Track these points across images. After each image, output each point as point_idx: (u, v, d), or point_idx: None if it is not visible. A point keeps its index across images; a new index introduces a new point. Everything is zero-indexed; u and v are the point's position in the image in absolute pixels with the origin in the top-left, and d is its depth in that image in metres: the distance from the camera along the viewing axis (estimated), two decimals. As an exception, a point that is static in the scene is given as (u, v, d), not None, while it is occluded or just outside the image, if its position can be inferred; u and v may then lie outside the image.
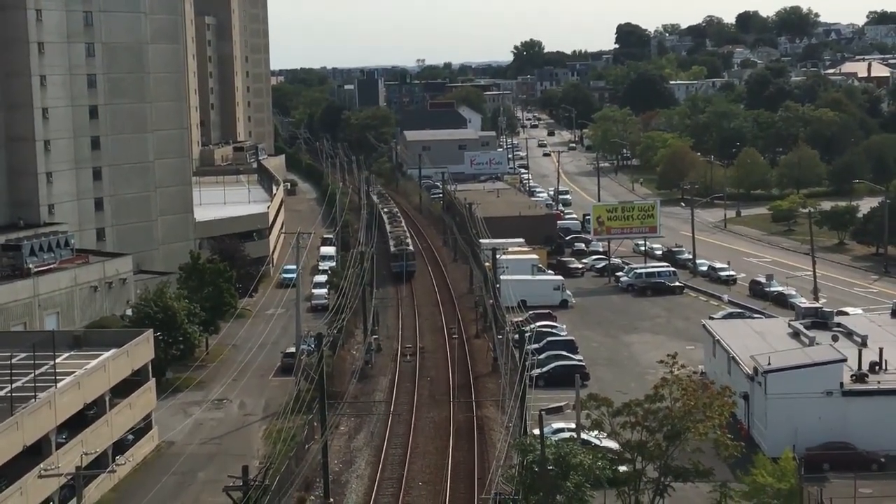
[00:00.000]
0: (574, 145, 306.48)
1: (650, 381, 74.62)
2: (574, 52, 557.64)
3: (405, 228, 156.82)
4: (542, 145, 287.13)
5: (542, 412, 62.78)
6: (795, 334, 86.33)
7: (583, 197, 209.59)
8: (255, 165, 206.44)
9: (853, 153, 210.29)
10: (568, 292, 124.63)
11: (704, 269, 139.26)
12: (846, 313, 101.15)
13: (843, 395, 75.34)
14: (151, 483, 69.74)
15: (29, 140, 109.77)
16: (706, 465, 63.08)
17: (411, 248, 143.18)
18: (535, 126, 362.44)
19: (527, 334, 76.79)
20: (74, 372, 69.17)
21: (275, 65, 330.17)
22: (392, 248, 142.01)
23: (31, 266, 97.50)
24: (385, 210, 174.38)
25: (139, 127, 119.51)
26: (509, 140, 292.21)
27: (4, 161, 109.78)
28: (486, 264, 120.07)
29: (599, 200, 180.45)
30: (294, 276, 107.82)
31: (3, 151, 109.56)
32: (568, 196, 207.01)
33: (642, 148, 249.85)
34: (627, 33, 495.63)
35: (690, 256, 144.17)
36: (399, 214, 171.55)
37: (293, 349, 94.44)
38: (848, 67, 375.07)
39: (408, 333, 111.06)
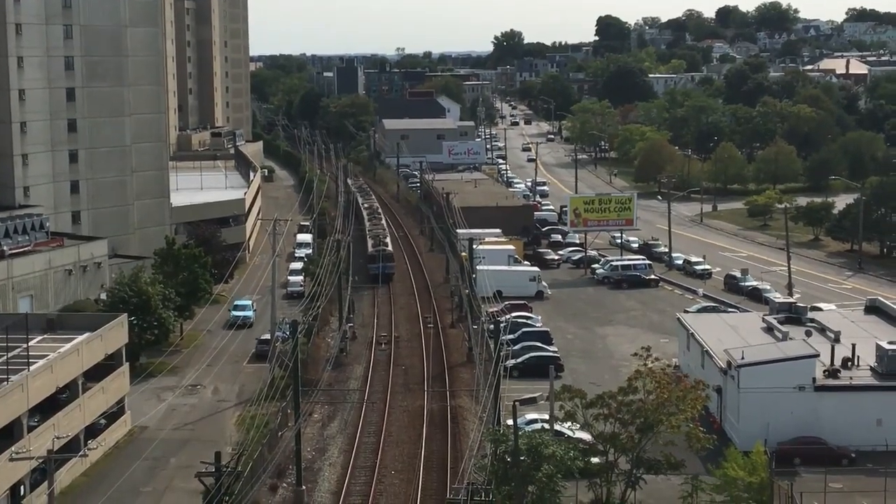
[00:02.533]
0: (552, 137, 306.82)
1: (624, 374, 74.95)
2: (554, 43, 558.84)
3: (385, 227, 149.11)
4: (526, 149, 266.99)
5: (516, 403, 62.89)
6: (769, 329, 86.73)
7: (560, 188, 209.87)
8: (232, 151, 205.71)
9: (830, 150, 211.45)
10: (544, 283, 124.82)
11: (680, 262, 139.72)
12: (820, 309, 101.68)
13: (816, 390, 75.74)
14: (123, 468, 69.65)
15: (5, 122, 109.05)
16: (678, 458, 63.41)
17: (390, 248, 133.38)
18: (517, 123, 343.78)
19: (502, 325, 76.91)
20: (47, 355, 68.81)
21: (254, 50, 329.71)
22: (370, 249, 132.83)
23: (5, 248, 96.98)
24: (365, 206, 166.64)
25: (116, 110, 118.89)
26: (488, 130, 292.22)
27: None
28: (463, 254, 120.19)
29: (577, 192, 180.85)
30: (245, 313, 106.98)
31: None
32: (545, 187, 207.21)
33: (620, 140, 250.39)
34: (607, 26, 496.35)
35: (666, 250, 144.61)
36: (379, 210, 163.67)
37: (268, 336, 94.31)
38: (826, 64, 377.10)
39: (383, 322, 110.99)
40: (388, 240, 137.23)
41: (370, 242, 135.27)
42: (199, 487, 58.38)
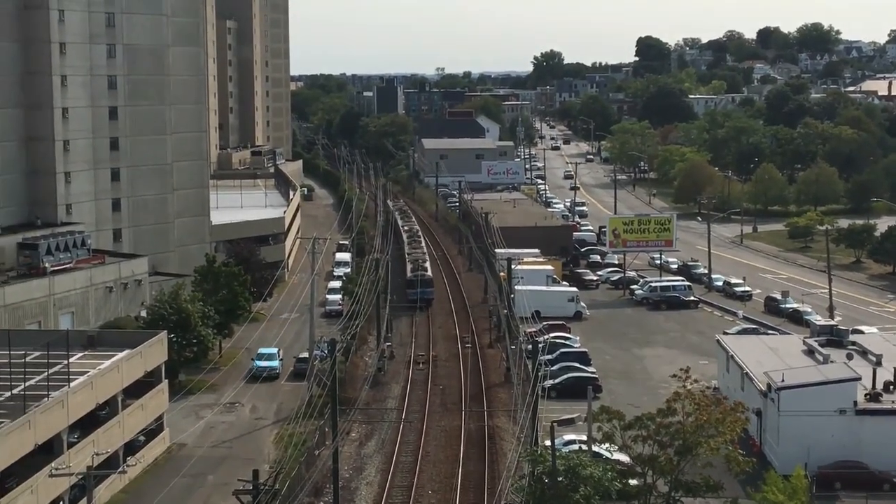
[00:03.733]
0: (591, 157, 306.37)
1: (663, 396, 74.49)
2: (594, 63, 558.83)
3: (425, 250, 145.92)
4: (568, 176, 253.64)
5: (554, 423, 62.69)
6: (810, 352, 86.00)
7: (599, 209, 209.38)
8: (272, 170, 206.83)
9: (872, 171, 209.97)
10: (582, 304, 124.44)
11: (720, 284, 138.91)
12: (861, 332, 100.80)
13: (857, 413, 75.02)
14: (162, 485, 69.83)
15: (48, 140, 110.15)
16: (717, 481, 62.88)
17: (429, 273, 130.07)
18: (557, 148, 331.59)
19: (540, 345, 76.73)
20: (88, 372, 69.32)
21: (294, 70, 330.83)
22: (409, 273, 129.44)
23: (47, 265, 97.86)
24: (405, 227, 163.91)
25: (158, 129, 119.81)
26: (527, 151, 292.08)
27: (24, 160, 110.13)
28: (501, 274, 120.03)
29: (616, 213, 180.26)
30: (270, 363, 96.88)
31: (22, 150, 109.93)
32: (584, 208, 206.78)
33: (660, 161, 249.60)
34: (648, 46, 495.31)
35: (706, 271, 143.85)
36: (419, 233, 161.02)
37: (306, 354, 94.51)
38: (868, 85, 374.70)
39: (421, 341, 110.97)
40: (427, 264, 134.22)
41: (409, 266, 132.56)
42: (237, 505, 58.55)
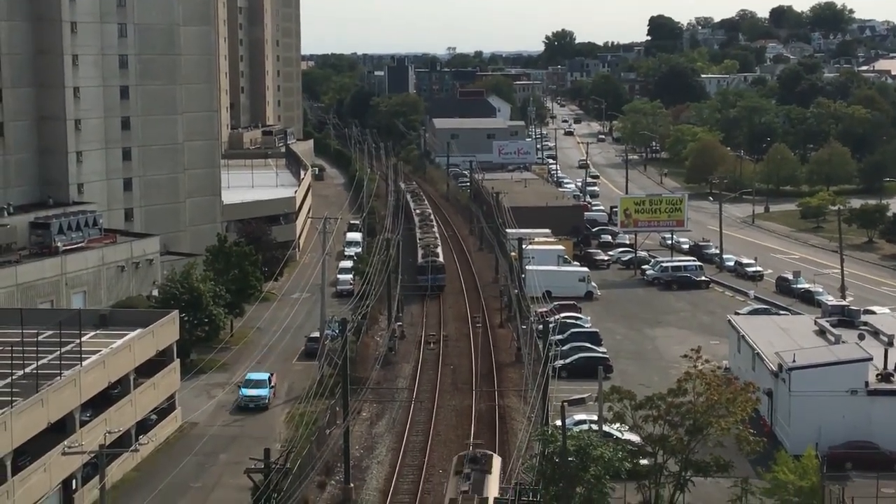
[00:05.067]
0: (603, 137, 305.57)
1: (673, 376, 74.56)
2: (605, 43, 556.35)
3: (437, 235, 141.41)
4: (582, 165, 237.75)
5: (565, 403, 62.75)
6: (821, 332, 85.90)
7: (610, 189, 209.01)
8: (283, 149, 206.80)
9: (885, 151, 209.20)
10: (593, 284, 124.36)
11: (731, 264, 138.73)
12: (873, 312, 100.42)
13: (868, 394, 74.93)
14: (173, 463, 70.20)
15: (60, 119, 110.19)
16: (727, 461, 62.96)
17: (441, 259, 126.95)
18: (571, 133, 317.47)
19: (551, 325, 76.74)
20: (100, 351, 69.53)
21: (305, 49, 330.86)
22: (420, 259, 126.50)
23: (59, 244, 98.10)
24: (417, 211, 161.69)
25: (169, 108, 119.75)
26: (538, 130, 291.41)
27: (35, 139, 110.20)
28: (512, 254, 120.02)
29: (627, 193, 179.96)
30: (259, 391, 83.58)
31: (34, 130, 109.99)
32: (596, 188, 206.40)
33: (671, 141, 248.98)
34: (660, 26, 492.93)
35: (717, 251, 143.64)
36: (431, 216, 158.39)
37: (317, 334, 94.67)
38: (882, 64, 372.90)
39: (432, 321, 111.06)
40: (439, 249, 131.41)
41: (420, 252, 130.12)
42: (248, 484, 58.86)
